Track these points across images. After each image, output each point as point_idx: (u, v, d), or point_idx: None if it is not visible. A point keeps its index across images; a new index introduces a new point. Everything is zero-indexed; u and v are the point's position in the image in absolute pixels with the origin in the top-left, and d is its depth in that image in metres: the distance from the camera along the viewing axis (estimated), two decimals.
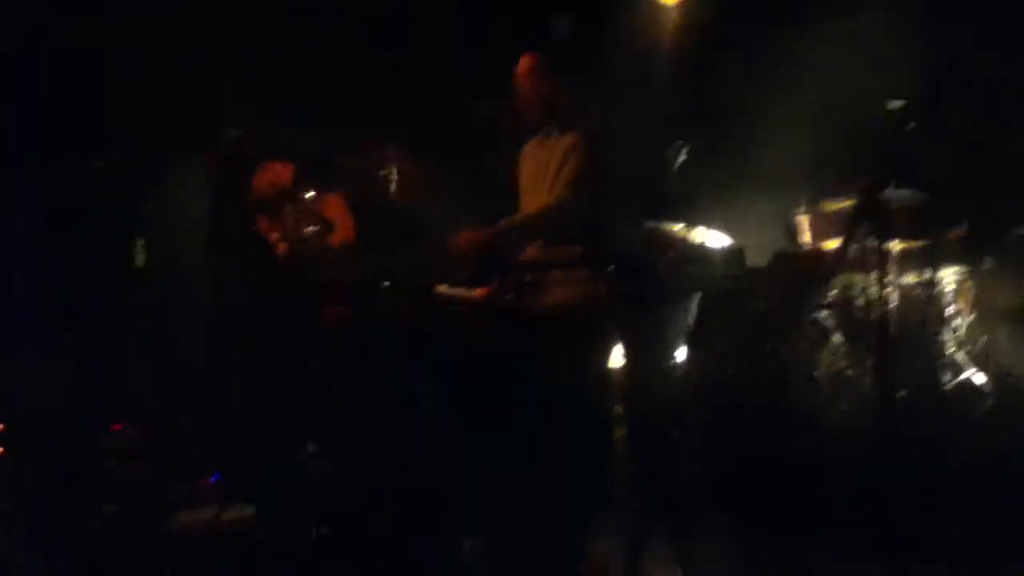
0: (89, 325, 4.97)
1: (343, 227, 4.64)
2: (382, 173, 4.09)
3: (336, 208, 4.68)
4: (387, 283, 3.26)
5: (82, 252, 5.07)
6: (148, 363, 4.99)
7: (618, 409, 4.28)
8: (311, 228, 4.16)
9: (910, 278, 5.10)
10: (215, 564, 3.15)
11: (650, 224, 5.40)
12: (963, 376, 4.88)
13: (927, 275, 4.75)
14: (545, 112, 3.51)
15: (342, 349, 3.63)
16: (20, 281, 4.84)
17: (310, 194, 4.51)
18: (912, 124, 4.00)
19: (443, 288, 3.34)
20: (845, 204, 4.99)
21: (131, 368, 4.94)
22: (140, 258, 5.10)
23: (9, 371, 4.44)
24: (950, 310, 5.05)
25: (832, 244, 5.24)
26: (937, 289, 4.78)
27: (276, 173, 4.68)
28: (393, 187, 4.07)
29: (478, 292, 3.32)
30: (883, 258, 2.22)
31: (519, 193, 3.59)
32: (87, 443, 4.37)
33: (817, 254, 5.16)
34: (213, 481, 4.05)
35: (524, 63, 3.53)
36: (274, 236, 4.39)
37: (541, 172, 3.46)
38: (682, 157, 4.93)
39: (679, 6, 5.99)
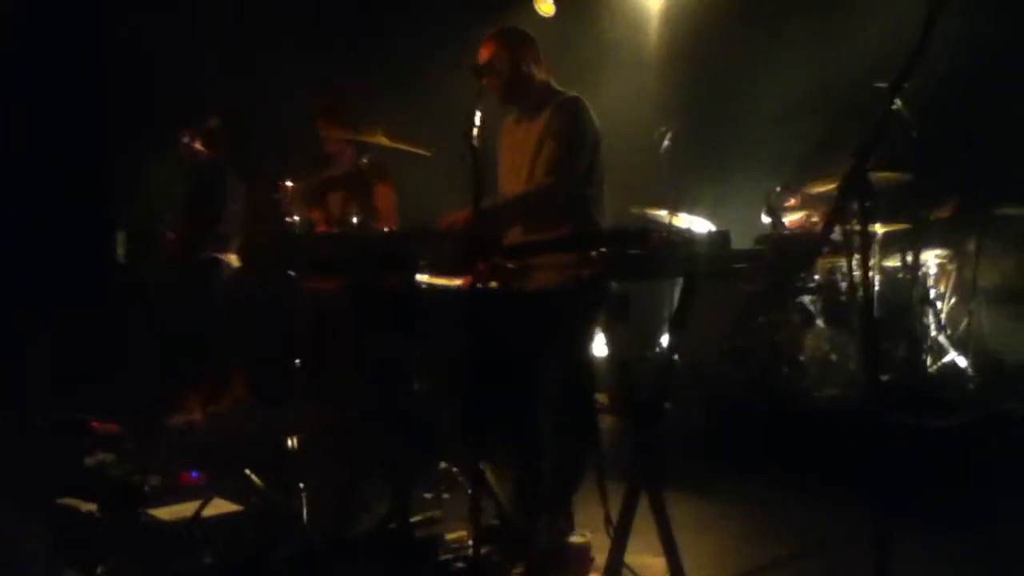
0: (71, 317, 4.93)
1: (388, 219, 4.67)
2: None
3: (386, 199, 4.70)
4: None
5: (70, 243, 5.04)
6: (129, 356, 4.95)
7: (603, 393, 4.26)
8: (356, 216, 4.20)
9: (894, 260, 5.11)
10: (198, 560, 3.09)
11: (635, 209, 5.40)
12: (946, 359, 4.90)
13: (910, 257, 4.74)
14: (515, 93, 3.43)
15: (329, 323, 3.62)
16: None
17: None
18: (897, 104, 3.98)
19: (425, 277, 3.28)
20: (829, 186, 4.98)
21: (110, 362, 4.89)
22: (122, 249, 5.07)
23: None
24: (932, 293, 5.07)
25: (816, 226, 5.24)
26: (920, 271, 4.78)
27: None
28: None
29: (461, 280, 3.27)
30: (867, 240, 2.18)
31: (500, 173, 3.55)
32: (65, 438, 4.32)
33: (802, 236, 5.16)
34: (194, 477, 3.99)
35: (486, 48, 3.42)
36: (318, 217, 4.43)
37: (520, 153, 3.40)
38: (666, 141, 4.91)
39: None
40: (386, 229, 4.59)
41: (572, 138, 3.29)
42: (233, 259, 5.18)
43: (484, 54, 3.43)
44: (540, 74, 3.47)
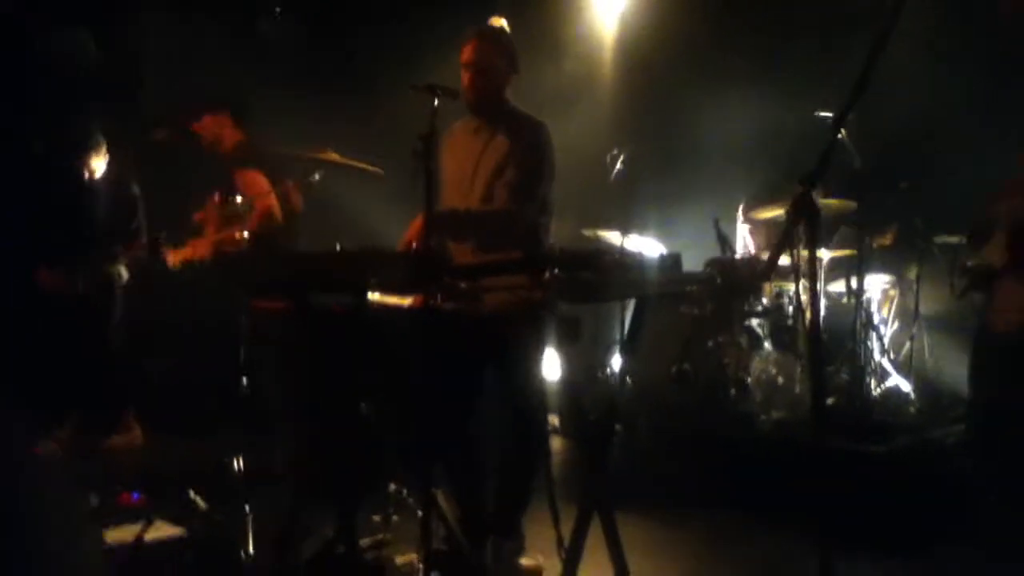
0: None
1: (262, 204, 4.16)
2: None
3: (256, 185, 4.25)
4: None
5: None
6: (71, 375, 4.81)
7: (554, 415, 4.24)
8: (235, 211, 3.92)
9: (838, 285, 5.22)
10: None
11: (587, 231, 5.44)
12: (889, 382, 5.00)
13: (854, 283, 4.85)
14: (488, 100, 3.29)
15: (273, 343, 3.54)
16: None
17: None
18: (842, 135, 4.09)
19: (375, 295, 3.24)
20: (777, 212, 5.08)
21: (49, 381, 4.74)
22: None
23: None
24: (876, 317, 5.18)
25: (764, 251, 5.34)
26: (864, 296, 4.89)
27: (217, 124, 4.46)
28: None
29: (411, 299, 3.24)
30: (813, 266, 2.23)
31: (443, 180, 3.40)
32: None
33: (750, 260, 5.24)
34: (135, 498, 3.89)
35: (477, 46, 3.27)
36: (210, 230, 4.19)
37: (471, 165, 3.31)
38: (619, 165, 4.96)
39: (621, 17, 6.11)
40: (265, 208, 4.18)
41: (538, 168, 3.28)
42: (124, 272, 5.02)
43: (473, 51, 3.29)
44: (510, 90, 3.39)
